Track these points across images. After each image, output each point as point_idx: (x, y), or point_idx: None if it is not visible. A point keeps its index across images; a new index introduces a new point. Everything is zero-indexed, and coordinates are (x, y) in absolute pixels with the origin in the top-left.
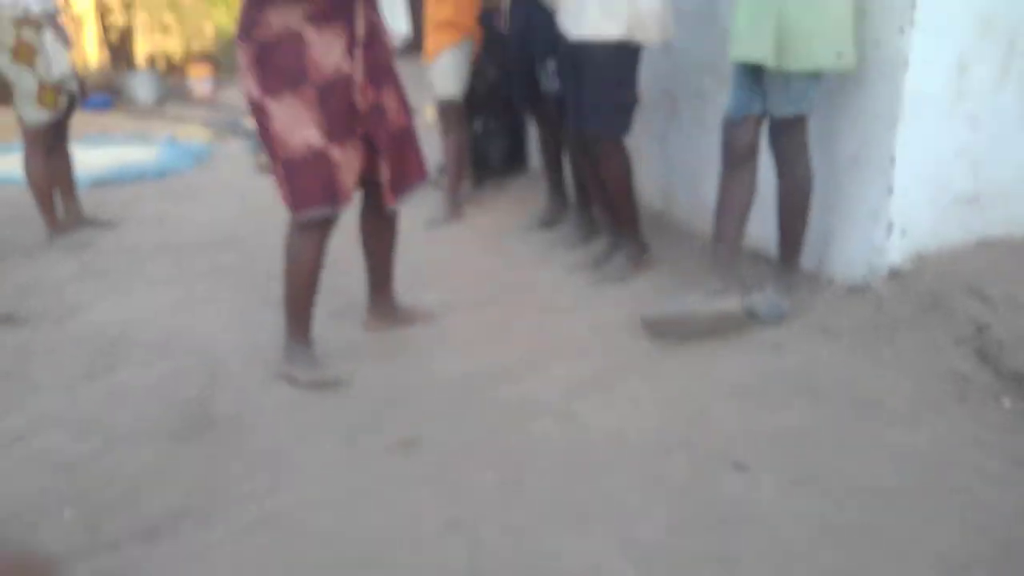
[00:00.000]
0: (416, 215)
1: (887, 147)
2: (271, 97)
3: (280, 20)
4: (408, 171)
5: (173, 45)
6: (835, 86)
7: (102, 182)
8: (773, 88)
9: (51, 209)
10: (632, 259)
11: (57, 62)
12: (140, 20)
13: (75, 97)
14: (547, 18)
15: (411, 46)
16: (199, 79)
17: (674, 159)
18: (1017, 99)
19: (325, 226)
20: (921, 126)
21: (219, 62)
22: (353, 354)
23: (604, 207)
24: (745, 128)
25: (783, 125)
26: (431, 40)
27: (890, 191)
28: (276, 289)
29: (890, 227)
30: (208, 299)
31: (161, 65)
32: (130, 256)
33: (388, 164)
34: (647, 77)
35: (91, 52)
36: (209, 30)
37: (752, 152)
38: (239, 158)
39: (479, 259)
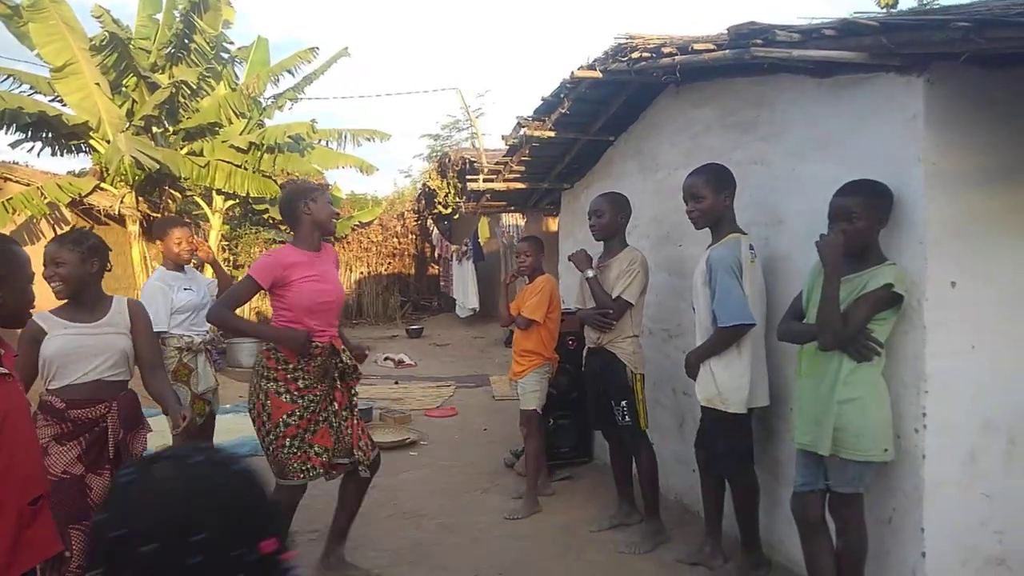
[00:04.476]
0: (496, 505)
1: (916, 519)
2: None
3: None
4: None
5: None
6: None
7: None
8: (832, 470)
9: None
10: (743, 570)
11: (204, 379)
12: None
13: (214, 405)
14: (620, 368)
15: (478, 315)
16: None
17: None
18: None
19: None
20: (944, 503)
21: None
22: None
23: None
24: (812, 502)
25: (842, 499)
26: (518, 363)
27: (923, 555)
28: None
29: None
30: None
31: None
32: None
33: None
34: None
35: None
36: None
37: (822, 520)
38: None
39: (559, 563)
